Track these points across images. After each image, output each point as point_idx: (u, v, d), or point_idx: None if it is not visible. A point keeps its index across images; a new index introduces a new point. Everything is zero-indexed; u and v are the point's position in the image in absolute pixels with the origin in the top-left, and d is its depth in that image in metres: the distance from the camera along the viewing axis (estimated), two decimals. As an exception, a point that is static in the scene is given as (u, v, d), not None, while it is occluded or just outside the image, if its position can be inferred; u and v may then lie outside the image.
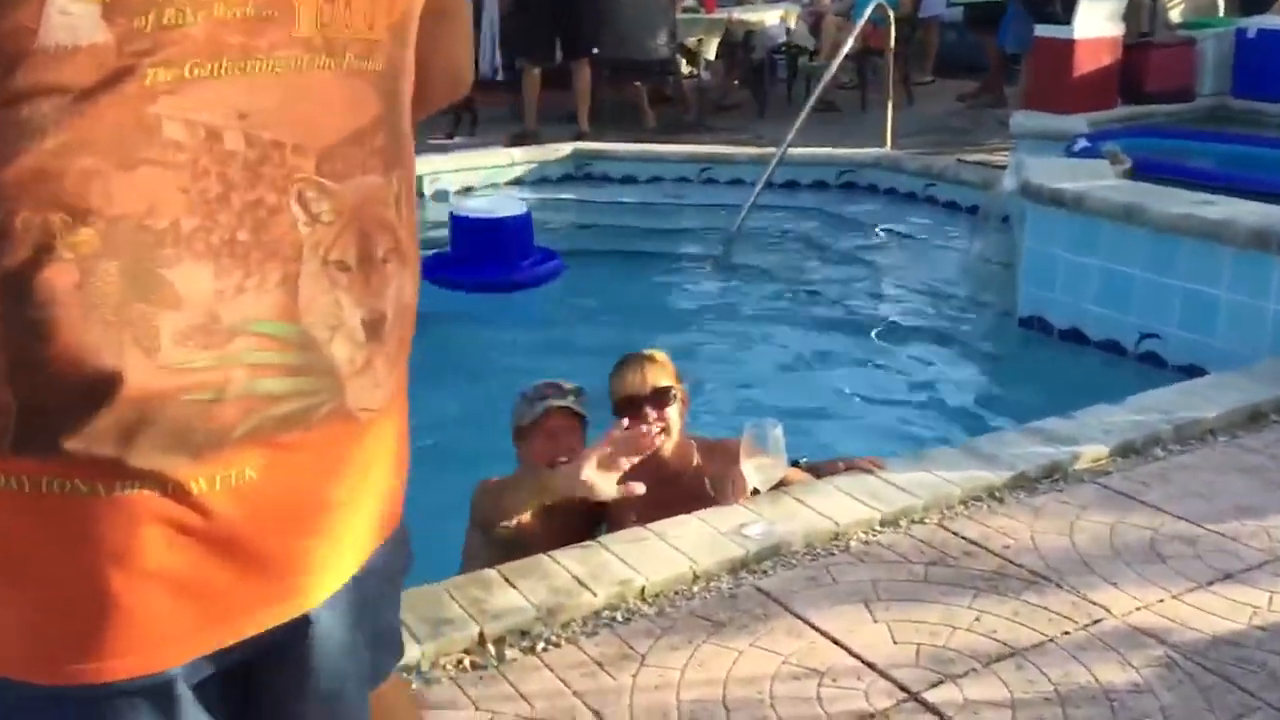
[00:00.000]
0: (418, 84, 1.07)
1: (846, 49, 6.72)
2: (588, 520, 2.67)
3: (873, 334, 4.72)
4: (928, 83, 9.58)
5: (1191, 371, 3.71)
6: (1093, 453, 2.83)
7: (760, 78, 8.85)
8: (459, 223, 4.93)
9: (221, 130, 0.80)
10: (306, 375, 0.87)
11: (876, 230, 6.08)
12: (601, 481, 2.30)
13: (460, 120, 7.72)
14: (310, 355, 0.87)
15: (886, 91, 6.97)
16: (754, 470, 2.42)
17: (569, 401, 2.64)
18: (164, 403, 0.80)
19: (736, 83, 9.01)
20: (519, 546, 2.46)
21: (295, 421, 0.87)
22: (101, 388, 0.77)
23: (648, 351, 2.67)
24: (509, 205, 5.13)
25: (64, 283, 0.75)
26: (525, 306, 5.04)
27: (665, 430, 2.57)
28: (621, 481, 2.32)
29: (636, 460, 2.33)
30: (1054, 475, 2.75)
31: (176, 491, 0.83)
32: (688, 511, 2.53)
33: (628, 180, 6.97)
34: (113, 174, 0.75)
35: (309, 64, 0.85)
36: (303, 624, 0.95)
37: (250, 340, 0.83)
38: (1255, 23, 6.01)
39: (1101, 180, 4.30)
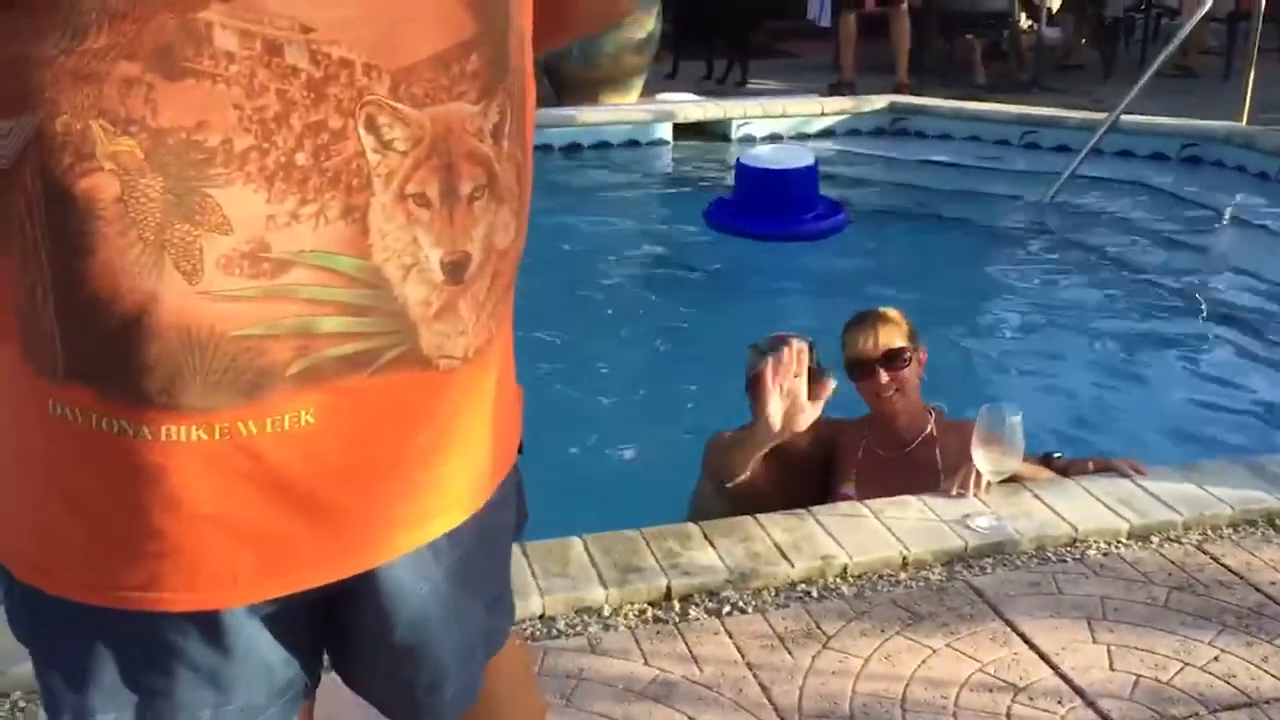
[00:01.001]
0: (559, 6, 1.01)
1: (1205, 8, 6.06)
2: (821, 478, 2.59)
3: (1185, 329, 4.27)
4: (1314, 51, 8.53)
5: None
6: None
7: (1112, 36, 8.17)
8: (743, 170, 4.86)
9: (282, 43, 0.75)
10: (372, 315, 0.82)
11: (1218, 212, 5.49)
12: (781, 416, 2.20)
13: (730, 68, 7.62)
14: (378, 294, 0.82)
15: (1250, 54, 6.25)
16: (984, 458, 2.24)
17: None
18: (209, 335, 0.77)
19: (1084, 41, 8.37)
20: (749, 501, 2.42)
21: (358, 364, 0.82)
22: (140, 313, 0.75)
23: (881, 309, 2.55)
24: (797, 155, 5.00)
25: (105, 194, 0.73)
26: (810, 259, 4.91)
27: (899, 390, 2.46)
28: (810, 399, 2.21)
29: (797, 382, 2.21)
30: (1353, 510, 2.39)
31: (227, 435, 0.80)
32: (916, 482, 2.41)
33: (944, 138, 6.65)
34: (158, 83, 0.72)
35: None
36: (375, 579, 0.91)
37: (307, 272, 0.79)
38: None
39: None
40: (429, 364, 0.86)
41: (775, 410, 2.19)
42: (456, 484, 0.94)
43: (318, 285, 0.80)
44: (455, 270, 0.86)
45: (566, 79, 6.29)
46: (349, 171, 0.80)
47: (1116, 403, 3.63)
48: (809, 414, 2.22)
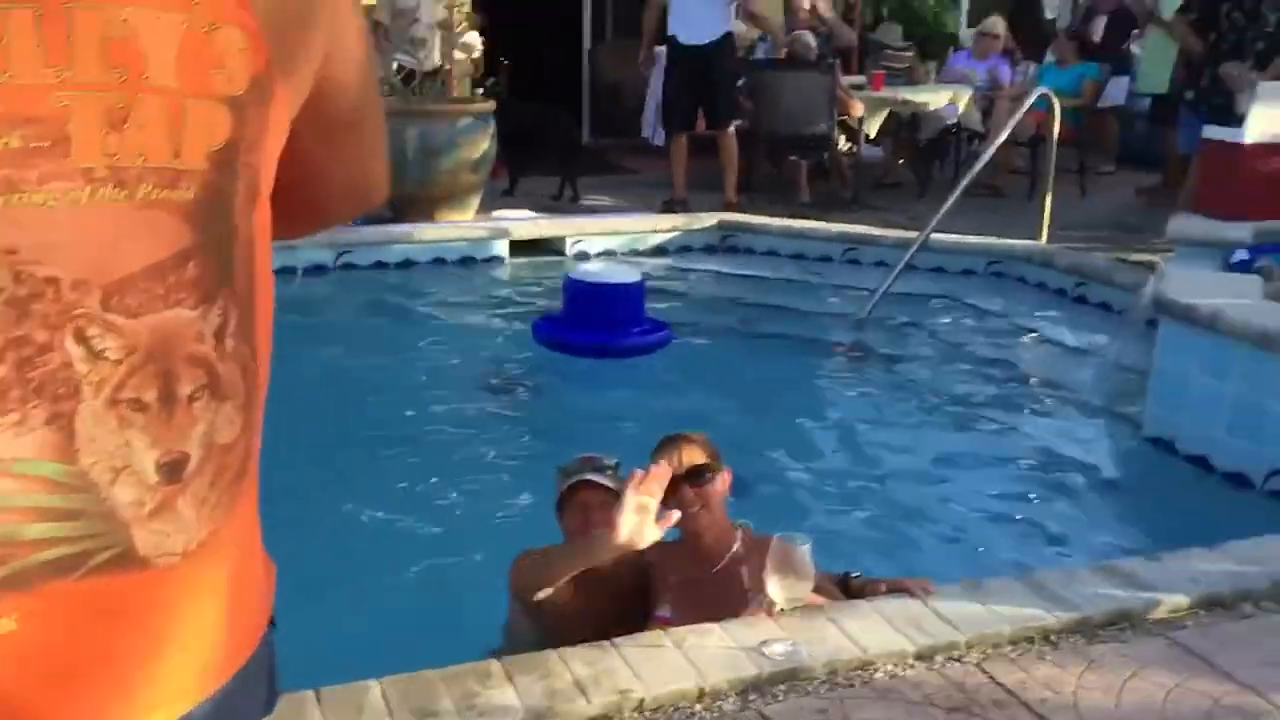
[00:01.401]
0: (309, 198, 1.05)
1: (1004, 135, 6.51)
2: (633, 599, 2.64)
3: (988, 439, 4.51)
4: (1108, 173, 9.22)
5: (1322, 517, 3.41)
6: (1172, 602, 2.61)
7: (927, 158, 8.68)
8: (570, 285, 4.98)
9: (-18, 264, 0.79)
10: (80, 519, 0.84)
11: (1018, 327, 5.83)
12: (634, 529, 2.26)
13: (564, 185, 7.87)
14: (86, 498, 0.84)
15: (1046, 178, 6.72)
16: (777, 588, 2.32)
17: (603, 476, 2.63)
18: None
19: (901, 161, 8.86)
20: (559, 622, 2.45)
21: (64, 569, 0.83)
22: None
23: (685, 432, 2.67)
24: (624, 272, 5.15)
25: None
26: (636, 375, 5.03)
27: (704, 507, 2.56)
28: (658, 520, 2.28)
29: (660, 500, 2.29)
30: (1121, 623, 2.54)
31: None
32: (725, 600, 2.49)
33: (770, 255, 6.92)
34: None
35: (92, 196, 0.82)
36: None
37: (8, 481, 0.81)
38: None
39: (1243, 299, 4.01)
40: (146, 563, 0.88)
41: (629, 523, 2.24)
42: (178, 677, 0.94)
43: (19, 493, 0.82)
44: (172, 470, 0.89)
45: (403, 197, 6.35)
46: (55, 382, 0.82)
47: (920, 518, 3.79)
48: (652, 534, 2.28)
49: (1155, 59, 7.86)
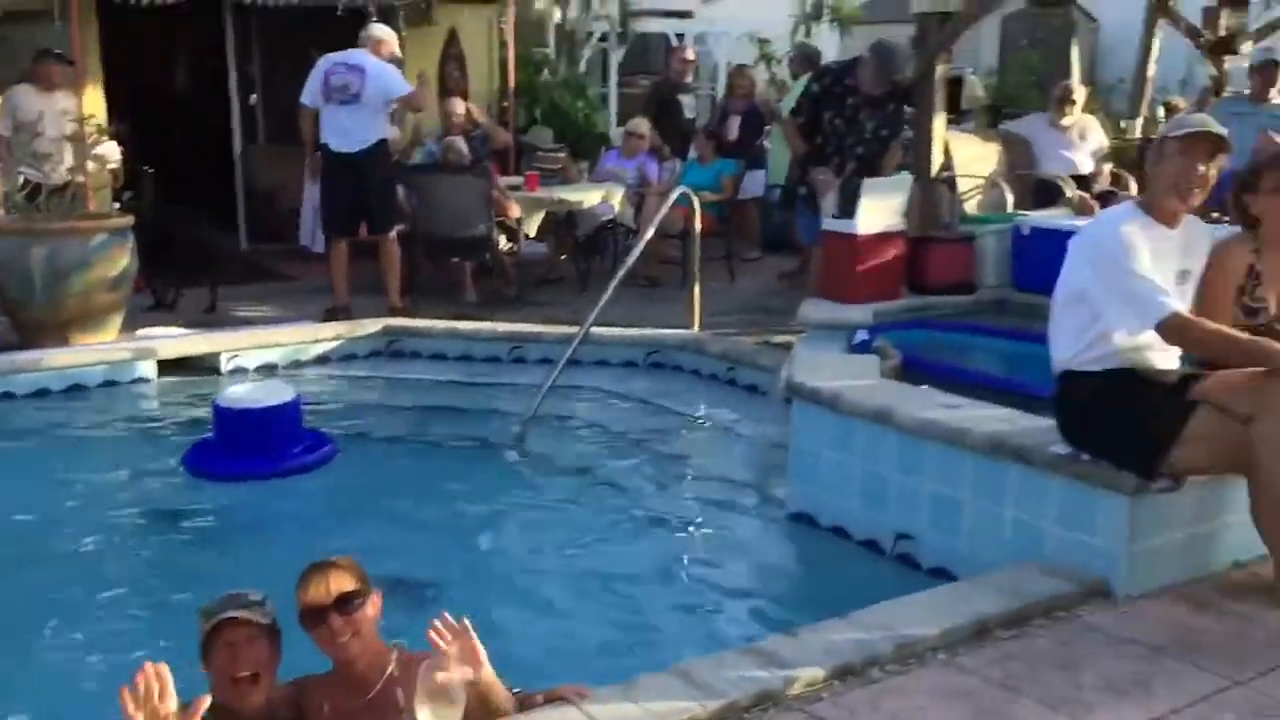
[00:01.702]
0: None
1: (651, 230, 6.84)
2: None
3: (651, 529, 4.66)
4: (754, 259, 9.87)
5: (942, 574, 3.74)
6: (808, 676, 2.79)
7: (586, 252, 9.00)
8: (220, 412, 4.78)
9: None
10: None
11: (678, 414, 6.09)
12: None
13: (214, 295, 7.65)
14: None
15: (692, 271, 7.11)
16: (426, 711, 2.30)
17: (250, 612, 2.54)
18: None
19: (563, 258, 9.13)
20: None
21: None
22: None
23: (332, 558, 2.62)
24: (276, 391, 5.00)
25: None
26: (297, 495, 4.86)
27: (355, 634, 2.52)
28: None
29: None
30: (765, 703, 2.69)
31: None
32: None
33: (438, 358, 6.91)
34: None
35: None
36: None
37: None
38: (1029, 221, 6.34)
39: (862, 379, 4.39)
40: None
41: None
42: None
43: None
44: None
45: (31, 322, 5.89)
46: None
47: (585, 617, 3.86)
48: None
49: (780, 154, 8.54)
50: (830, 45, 11.99)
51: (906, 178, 6.70)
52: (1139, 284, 3.22)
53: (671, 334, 6.86)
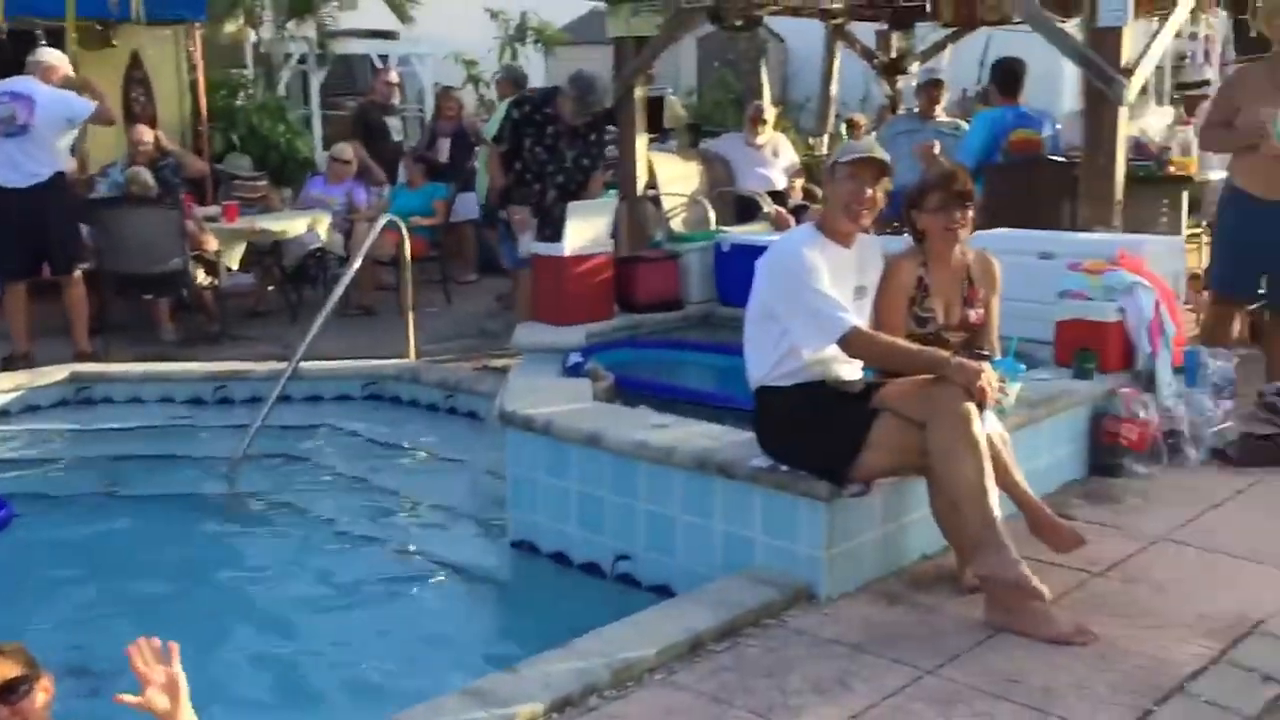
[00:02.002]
0: None
1: (361, 257, 6.67)
2: None
3: (369, 570, 4.52)
4: (470, 282, 9.82)
5: (662, 591, 3.82)
6: (528, 713, 2.78)
7: (295, 282, 8.69)
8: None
9: None
10: None
11: (396, 447, 5.97)
12: None
13: None
14: None
15: (406, 298, 6.98)
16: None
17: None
18: None
19: (270, 289, 8.77)
20: None
21: None
22: None
23: None
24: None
25: None
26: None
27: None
28: None
29: None
30: (483, 747, 2.66)
31: None
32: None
33: (135, 403, 6.48)
34: None
35: None
36: None
37: None
38: (730, 237, 6.60)
39: (575, 404, 4.43)
40: None
41: None
42: None
43: None
44: None
45: None
46: None
47: (308, 665, 3.71)
48: None
49: (486, 175, 8.51)
50: (536, 67, 12.11)
51: (612, 199, 6.84)
52: (820, 302, 3.41)
53: (387, 364, 6.71)
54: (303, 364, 6.04)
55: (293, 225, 8.24)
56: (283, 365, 6.26)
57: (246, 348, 7.50)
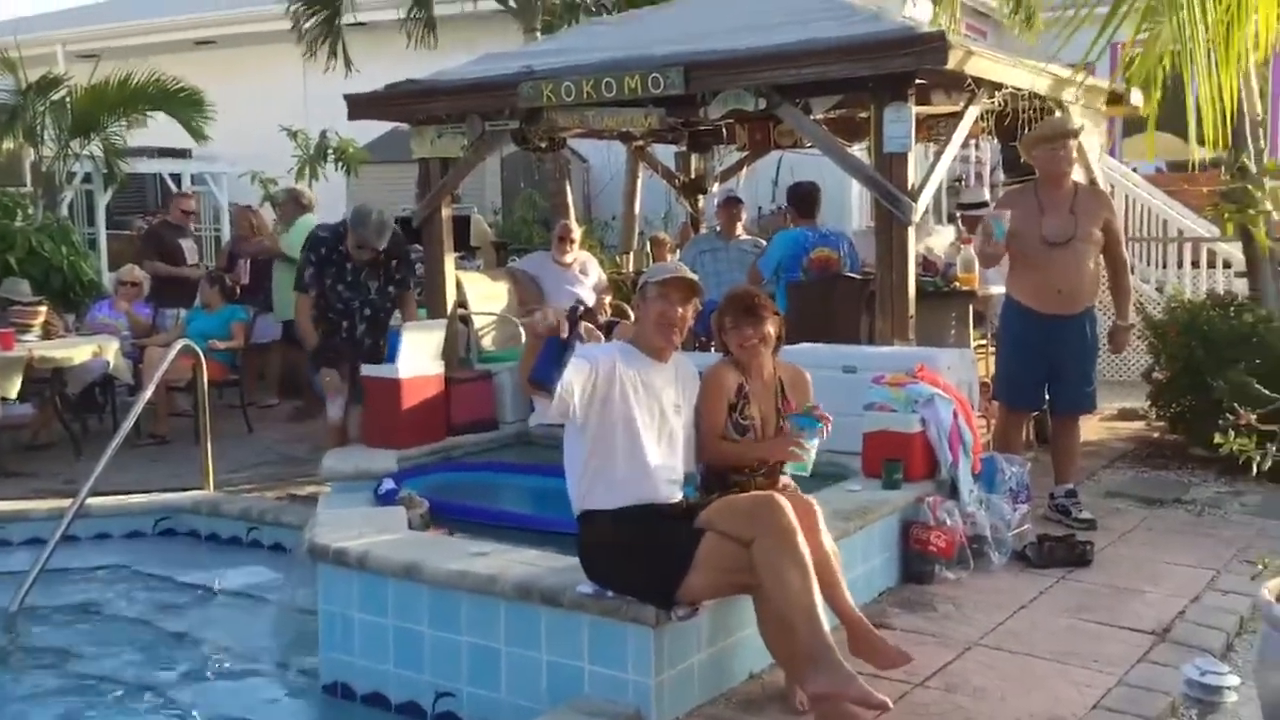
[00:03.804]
0: None
1: (154, 384, 6.34)
2: None
3: (166, 723, 4.19)
4: (273, 405, 9.47)
5: (486, 728, 3.67)
6: None
7: (79, 411, 8.18)
8: None
9: None
10: None
11: (193, 586, 5.59)
12: None
13: None
14: None
15: (203, 425, 6.65)
16: None
17: None
18: None
19: (52, 420, 8.21)
20: None
21: None
22: None
23: None
24: None
25: None
26: None
27: None
28: None
29: None
30: None
31: None
32: None
33: (-109, 552, 5.90)
34: None
35: None
36: None
37: None
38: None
39: (389, 533, 4.27)
40: None
41: None
42: None
43: None
44: None
45: None
46: None
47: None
48: None
49: (285, 293, 8.28)
50: (337, 187, 11.95)
51: (441, 321, 6.75)
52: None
53: (183, 496, 6.35)
54: (90, 500, 5.65)
55: (77, 351, 7.76)
56: (66, 503, 5.84)
57: (25, 484, 6.98)
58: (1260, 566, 2.95)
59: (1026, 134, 5.87)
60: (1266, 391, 3.11)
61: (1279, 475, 2.99)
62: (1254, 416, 3.11)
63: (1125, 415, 7.93)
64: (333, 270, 6.38)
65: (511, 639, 3.71)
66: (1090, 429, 7.66)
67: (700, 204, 9.52)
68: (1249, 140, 6.84)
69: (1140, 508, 5.84)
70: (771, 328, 3.95)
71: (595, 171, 13.54)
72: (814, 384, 4.62)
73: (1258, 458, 3.06)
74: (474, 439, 6.16)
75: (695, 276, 3.69)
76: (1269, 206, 6.67)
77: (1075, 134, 5.74)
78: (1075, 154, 5.70)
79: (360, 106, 7.55)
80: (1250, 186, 6.61)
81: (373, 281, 6.44)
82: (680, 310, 3.59)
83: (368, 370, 5.94)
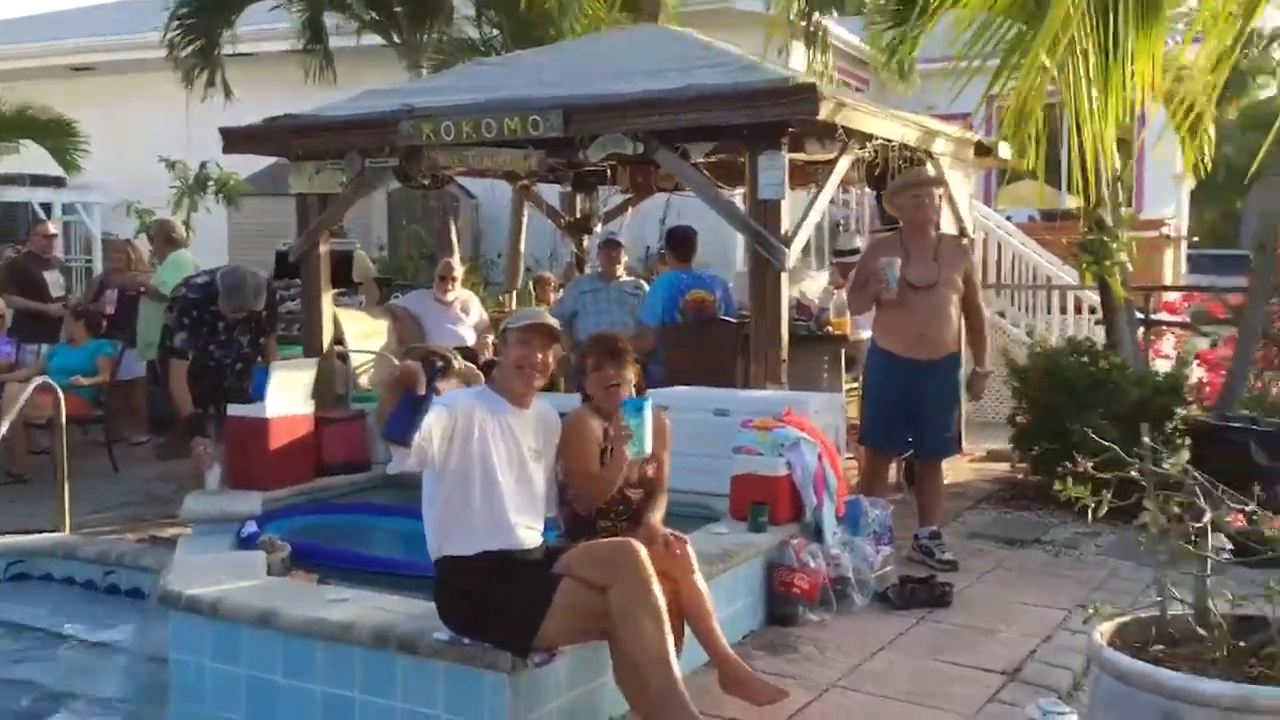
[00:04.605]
0: None
1: (7, 424, 6.11)
2: None
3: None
4: (142, 443, 9.19)
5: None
6: None
7: (-74, 453, 7.83)
8: None
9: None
10: None
11: (44, 633, 5.37)
12: None
13: None
14: None
15: (61, 464, 6.41)
16: None
17: None
18: None
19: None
20: None
21: None
22: None
23: None
24: None
25: None
26: None
27: None
28: None
29: None
30: None
31: None
32: None
33: None
34: None
35: None
36: None
37: None
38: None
39: (244, 579, 4.17)
40: None
41: None
42: None
43: None
44: None
45: None
46: None
47: None
48: None
49: (150, 327, 8.06)
50: (219, 219, 11.73)
51: (312, 360, 6.63)
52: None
53: (38, 539, 6.10)
54: (-66, 544, 5.41)
55: (-70, 386, 7.46)
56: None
57: None
58: (1091, 611, 3.05)
59: (889, 183, 6.05)
60: (1103, 441, 3.22)
61: (1132, 517, 3.09)
62: (1090, 464, 3.23)
63: (994, 457, 8.15)
64: (205, 330, 6.26)
65: (367, 688, 3.65)
66: (959, 470, 7.87)
67: (585, 244, 9.56)
68: (1105, 193, 7.13)
69: (1001, 548, 6.01)
70: (631, 374, 3.98)
71: (484, 209, 13.52)
72: (687, 427, 4.68)
73: (1092, 504, 3.17)
74: (346, 480, 6.05)
75: (556, 322, 3.71)
76: (1123, 258, 6.96)
77: (936, 183, 5.93)
78: (940, 202, 5.87)
79: (236, 140, 7.43)
80: (1105, 238, 6.90)
81: (244, 336, 6.37)
82: (540, 356, 3.60)
83: (234, 410, 5.81)
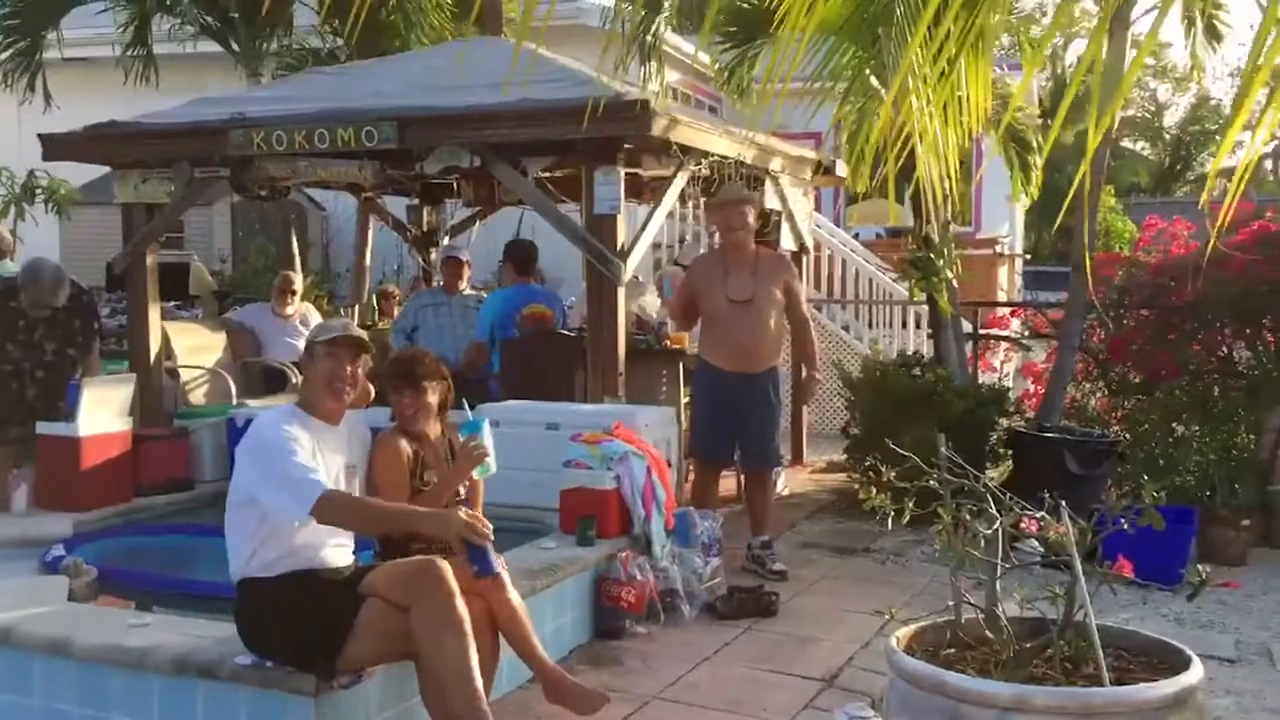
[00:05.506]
0: None
1: None
2: None
3: None
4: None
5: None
6: None
7: None
8: None
9: None
10: None
11: None
12: None
13: None
14: None
15: None
16: None
17: None
18: None
19: None
20: None
21: None
22: None
23: None
24: None
25: None
26: None
27: None
28: None
29: None
30: None
31: None
32: None
33: None
34: None
35: None
36: None
37: None
38: (244, 411, 6.34)
39: (41, 606, 3.98)
40: None
41: None
42: None
43: None
44: None
45: None
46: None
47: None
48: None
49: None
50: (49, 229, 11.22)
51: (130, 375, 6.35)
52: (294, 470, 3.29)
53: None
54: None
55: None
56: None
57: None
58: (887, 616, 3.12)
59: (707, 200, 6.13)
60: (910, 455, 3.30)
61: (957, 524, 3.18)
62: (893, 474, 3.31)
63: (833, 468, 8.33)
64: (3, 329, 5.82)
65: (166, 716, 3.51)
66: (798, 481, 8.02)
67: (432, 257, 9.44)
68: (933, 212, 7.36)
69: (831, 557, 6.13)
70: (433, 397, 3.89)
71: (334, 220, 13.25)
72: (519, 441, 4.63)
73: (891, 513, 3.26)
74: (166, 500, 5.84)
75: (364, 334, 3.64)
76: (949, 275, 7.20)
77: (747, 200, 6.01)
78: (752, 219, 5.95)
79: (57, 147, 7.14)
80: (932, 255, 7.12)
81: (50, 343, 5.86)
82: (349, 368, 3.52)
83: (43, 429, 5.53)
